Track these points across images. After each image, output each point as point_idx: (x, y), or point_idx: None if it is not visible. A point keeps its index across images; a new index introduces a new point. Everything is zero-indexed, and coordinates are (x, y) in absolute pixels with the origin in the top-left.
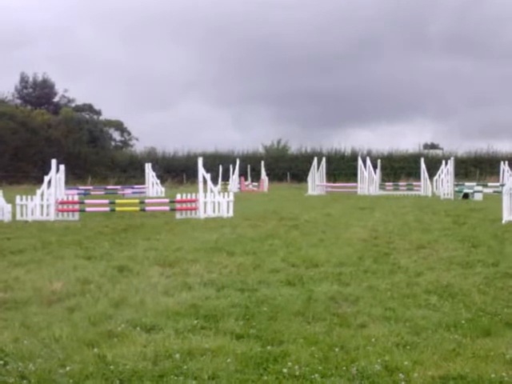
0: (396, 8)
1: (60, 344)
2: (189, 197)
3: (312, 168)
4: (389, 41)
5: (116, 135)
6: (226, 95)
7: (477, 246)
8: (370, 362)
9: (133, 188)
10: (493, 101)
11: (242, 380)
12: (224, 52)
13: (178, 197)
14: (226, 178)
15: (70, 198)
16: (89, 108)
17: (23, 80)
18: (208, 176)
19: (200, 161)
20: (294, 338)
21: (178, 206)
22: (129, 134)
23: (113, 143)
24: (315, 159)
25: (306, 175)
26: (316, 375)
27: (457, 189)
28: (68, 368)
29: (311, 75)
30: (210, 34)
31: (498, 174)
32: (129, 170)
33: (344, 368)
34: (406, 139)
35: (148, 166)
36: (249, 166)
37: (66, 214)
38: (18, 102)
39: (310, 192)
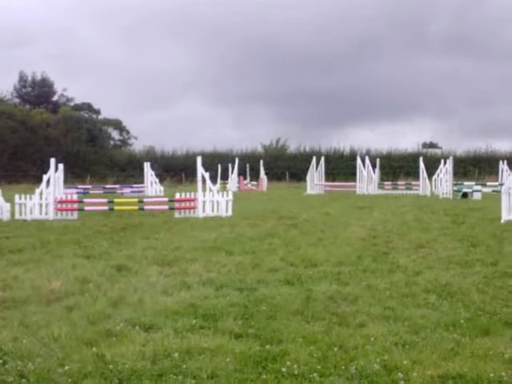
0: (396, 8)
1: (59, 343)
2: (188, 196)
3: (311, 167)
4: (389, 40)
5: (115, 134)
6: (225, 94)
7: (476, 246)
8: (369, 362)
9: (132, 187)
10: (492, 100)
11: (241, 379)
12: (223, 51)
13: (177, 196)
14: (224, 177)
15: (69, 197)
16: (88, 107)
17: (22, 79)
18: (207, 175)
19: (199, 160)
20: (293, 337)
21: (176, 205)
22: (128, 133)
23: (112, 142)
24: (314, 158)
25: (305, 174)
26: (315, 374)
27: (456, 188)
28: (67, 367)
29: (310, 75)
30: (209, 34)
31: (496, 173)
32: (128, 169)
33: (343, 367)
34: (405, 138)
35: (147, 165)
36: (248, 165)
37: (64, 213)
38: (17, 100)
39: (309, 191)
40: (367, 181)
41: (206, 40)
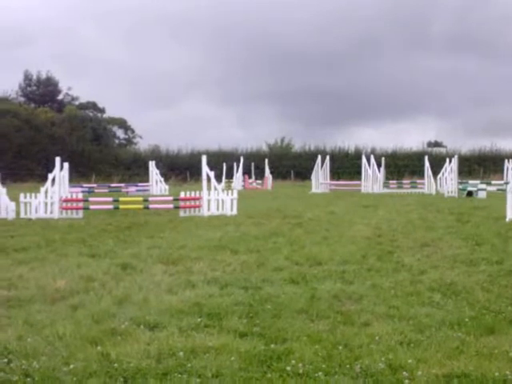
0: (400, 7)
1: (63, 342)
2: (192, 195)
3: (316, 166)
4: (393, 39)
5: (120, 133)
6: (229, 94)
7: (481, 244)
8: (374, 360)
9: (137, 186)
10: (496, 99)
11: (246, 378)
12: (228, 51)
13: (182, 195)
14: (229, 175)
15: (74, 196)
16: (92, 106)
17: (27, 78)
18: (212, 174)
19: (204, 159)
20: (298, 335)
21: (181, 203)
22: (132, 131)
23: (116, 141)
24: (319, 157)
25: (310, 173)
26: (320, 373)
27: (461, 187)
28: (72, 366)
29: (315, 74)
30: (213, 33)
31: (501, 171)
32: (133, 167)
33: (348, 366)
34: (410, 137)
35: (152, 164)
36: (253, 164)
37: (69, 211)
38: (22, 99)
39: (314, 190)
40: (372, 179)
41: (210, 40)
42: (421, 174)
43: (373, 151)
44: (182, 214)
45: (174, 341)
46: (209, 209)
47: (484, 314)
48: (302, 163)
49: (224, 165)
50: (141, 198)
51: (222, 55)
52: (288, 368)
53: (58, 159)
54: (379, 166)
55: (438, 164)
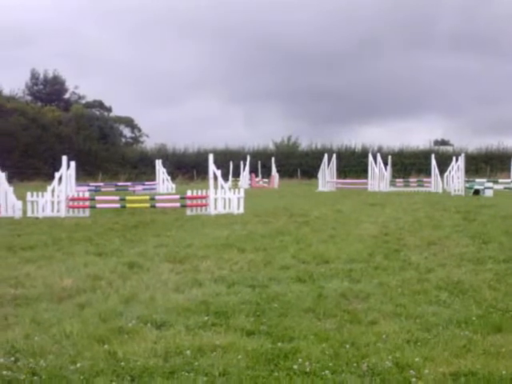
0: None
1: (71, 340)
2: (199, 193)
3: (322, 164)
4: (398, 38)
5: (126, 132)
6: (236, 93)
7: (487, 243)
8: (381, 359)
9: (143, 184)
10: (503, 98)
11: (253, 376)
12: (234, 50)
13: (189, 193)
14: (236, 174)
15: (81, 195)
16: (99, 105)
17: (34, 77)
18: (218, 172)
19: (211, 157)
20: (305, 334)
21: (188, 202)
22: (139, 130)
23: (123, 140)
24: (325, 156)
25: (317, 172)
26: (327, 371)
27: (467, 185)
28: (79, 364)
29: (322, 73)
30: (219, 32)
31: (508, 170)
32: (139, 166)
33: (355, 364)
34: (417, 136)
35: (158, 163)
36: (259, 163)
37: (76, 210)
38: (29, 98)
39: (321, 188)
40: (379, 178)
41: (217, 38)
42: (427, 173)
43: (379, 149)
44: (188, 212)
45: (181, 339)
46: (215, 207)
47: (491, 313)
48: (309, 162)
49: (231, 163)
50: (147, 197)
51: (228, 54)
52: (295, 366)
53: (64, 158)
54: (386, 164)
55: (444, 162)
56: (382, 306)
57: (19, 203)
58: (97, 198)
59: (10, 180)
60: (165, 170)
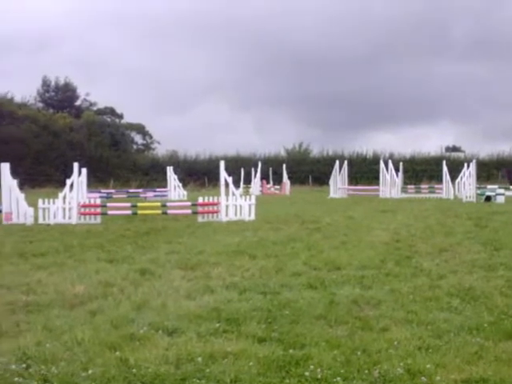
0: (417, 11)
1: (82, 347)
2: (211, 200)
3: (334, 171)
4: (410, 44)
5: (138, 138)
6: (247, 99)
7: (499, 249)
8: (393, 366)
9: (155, 191)
10: None
11: (264, 383)
12: (245, 56)
13: (200, 200)
14: (247, 181)
15: (92, 202)
16: (111, 111)
17: (45, 84)
18: (230, 179)
19: (222, 164)
20: (316, 341)
21: (199, 209)
22: (151, 137)
23: (135, 146)
24: (337, 162)
25: (328, 178)
26: (338, 378)
27: (479, 192)
28: (90, 371)
29: (333, 79)
30: (230, 38)
31: None
32: (151, 173)
33: (366, 371)
34: (428, 142)
35: (170, 169)
36: (271, 169)
37: (88, 217)
38: (40, 105)
39: (332, 195)
40: (390, 184)
41: (228, 45)
42: (439, 179)
43: (391, 156)
44: (200, 219)
45: (193, 346)
46: (227, 214)
47: (503, 319)
48: (320, 168)
49: (242, 170)
50: (159, 204)
51: (239, 60)
52: (306, 373)
53: (76, 165)
54: (397, 170)
55: (456, 169)
56: (393, 312)
57: (31, 210)
58: (108, 204)
59: (21, 187)
60: (176, 177)
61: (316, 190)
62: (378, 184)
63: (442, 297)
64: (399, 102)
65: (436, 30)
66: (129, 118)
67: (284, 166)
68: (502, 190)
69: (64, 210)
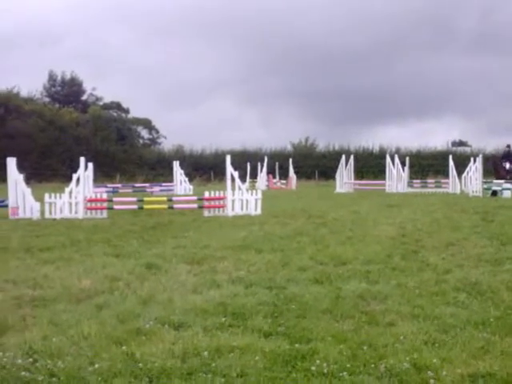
0: (424, 5)
1: (89, 341)
2: (217, 194)
3: (340, 166)
4: (417, 38)
5: (144, 133)
6: (253, 93)
7: (506, 244)
8: (399, 360)
9: (161, 186)
10: None
11: (271, 377)
12: (251, 51)
13: (206, 194)
14: (253, 175)
15: (99, 196)
16: (117, 106)
17: (51, 78)
18: (236, 174)
19: (228, 158)
20: (323, 335)
21: (205, 203)
22: (157, 132)
23: (141, 141)
24: (343, 157)
25: (334, 173)
26: (344, 373)
27: (485, 186)
28: (97, 365)
29: (339, 73)
30: (236, 33)
31: None
32: (157, 167)
33: (372, 366)
34: (435, 137)
35: (176, 164)
36: (277, 164)
37: (94, 211)
38: (47, 100)
39: (338, 190)
40: (396, 179)
41: (234, 40)
42: (445, 174)
43: (397, 150)
44: (206, 213)
45: (199, 340)
46: (233, 209)
47: (509, 314)
48: (326, 163)
49: (248, 165)
50: (165, 198)
51: (245, 55)
52: (313, 368)
53: (82, 159)
54: (403, 165)
55: (462, 163)
56: (399, 307)
57: (37, 204)
58: (114, 199)
59: (27, 181)
60: (182, 172)
61: (322, 184)
62: (384, 178)
63: (449, 291)
64: (406, 97)
65: (443, 24)
66: (135, 113)
67: (290, 160)
68: (508, 185)
69: (70, 204)
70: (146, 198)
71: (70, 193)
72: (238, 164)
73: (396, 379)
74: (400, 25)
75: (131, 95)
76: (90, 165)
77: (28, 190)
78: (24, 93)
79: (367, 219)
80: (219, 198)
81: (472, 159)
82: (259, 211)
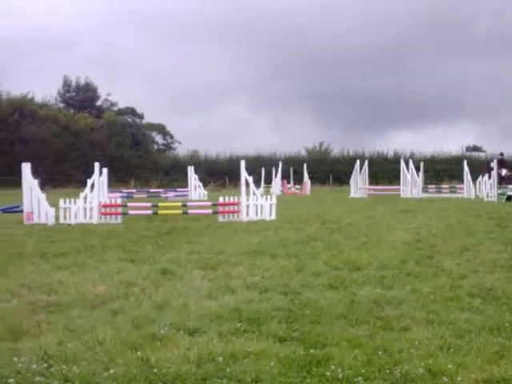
0: (437, 9)
1: (103, 347)
2: (231, 200)
3: (354, 171)
4: (431, 42)
5: (159, 138)
6: (267, 98)
7: None
8: (414, 366)
9: (175, 191)
10: None
11: (285, 383)
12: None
13: (221, 200)
14: (268, 180)
15: (113, 201)
16: (131, 111)
17: (66, 84)
18: (250, 179)
19: (242, 164)
20: (337, 341)
21: (220, 208)
22: (171, 137)
23: (155, 146)
24: (357, 162)
25: (348, 178)
26: (359, 378)
27: (500, 191)
28: (112, 371)
29: (354, 78)
30: (249, 37)
31: None
32: (171, 173)
33: (387, 371)
34: (449, 142)
35: (190, 169)
36: (291, 169)
37: (108, 217)
38: (61, 105)
39: (353, 195)
40: (411, 184)
41: (247, 44)
42: (460, 179)
43: (412, 156)
44: (220, 219)
45: (214, 346)
46: (247, 214)
47: None
48: (341, 168)
49: (263, 170)
50: (180, 204)
51: (259, 59)
52: (327, 373)
53: (97, 164)
54: (418, 170)
55: (477, 168)
56: (414, 312)
57: (52, 210)
58: (129, 204)
59: (42, 187)
60: (197, 177)
61: (336, 189)
62: (398, 184)
63: (463, 297)
64: (420, 101)
65: (457, 28)
66: (149, 118)
67: (305, 165)
68: None
69: (85, 209)
70: (160, 204)
71: (85, 198)
72: (253, 169)
73: None
74: (412, 29)
75: (144, 99)
76: (105, 170)
77: (43, 196)
78: (38, 98)
79: (382, 224)
80: (234, 204)
81: (487, 164)
82: (274, 216)
